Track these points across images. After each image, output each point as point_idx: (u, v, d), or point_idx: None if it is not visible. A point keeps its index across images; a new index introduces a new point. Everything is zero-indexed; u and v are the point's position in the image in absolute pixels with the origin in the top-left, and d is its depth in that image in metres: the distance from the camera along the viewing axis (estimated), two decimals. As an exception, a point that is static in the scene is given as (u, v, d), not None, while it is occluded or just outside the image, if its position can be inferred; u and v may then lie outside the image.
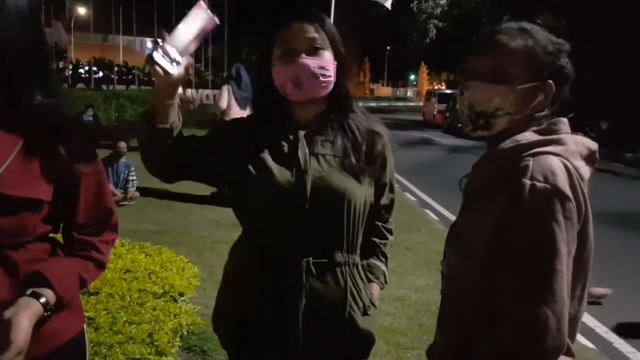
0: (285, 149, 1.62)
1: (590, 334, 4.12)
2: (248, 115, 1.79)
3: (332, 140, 1.65)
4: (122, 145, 7.51)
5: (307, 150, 1.61)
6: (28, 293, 1.27)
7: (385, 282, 1.83)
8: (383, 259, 1.86)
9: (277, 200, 1.57)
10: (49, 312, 1.29)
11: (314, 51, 1.59)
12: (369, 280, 1.76)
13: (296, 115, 1.67)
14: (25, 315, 1.22)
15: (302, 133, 1.64)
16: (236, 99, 7.25)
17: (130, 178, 7.44)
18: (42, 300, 1.27)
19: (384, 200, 1.81)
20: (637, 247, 6.51)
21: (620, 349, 3.97)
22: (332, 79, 1.62)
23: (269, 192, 1.57)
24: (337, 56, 1.64)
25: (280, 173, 1.57)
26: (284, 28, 1.60)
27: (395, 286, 4.80)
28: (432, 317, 4.13)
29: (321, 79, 1.59)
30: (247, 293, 1.63)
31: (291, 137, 1.64)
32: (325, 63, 1.60)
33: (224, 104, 7.29)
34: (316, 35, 1.60)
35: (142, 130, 1.57)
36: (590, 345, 3.93)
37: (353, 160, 1.63)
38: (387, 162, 1.75)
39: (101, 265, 1.47)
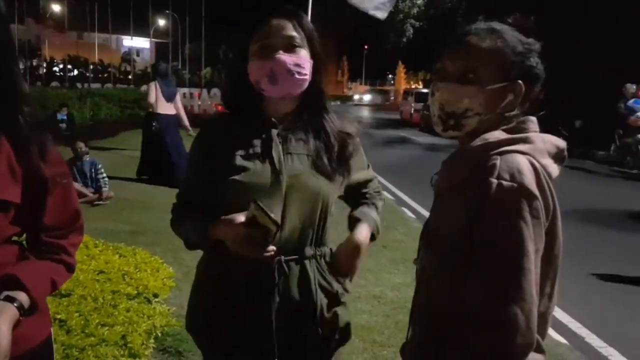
0: (259, 148, 1.62)
1: (563, 329, 4.17)
2: (221, 113, 1.79)
3: (305, 140, 1.65)
4: (80, 145, 7.40)
5: (281, 149, 1.61)
6: (2, 297, 1.26)
7: (378, 231, 1.81)
8: (374, 208, 1.85)
9: (251, 199, 1.56)
10: (23, 316, 1.28)
11: (291, 48, 1.60)
12: (357, 221, 1.76)
13: (269, 111, 1.67)
14: (3, 320, 1.22)
15: (275, 132, 1.64)
16: (163, 94, 8.29)
17: (100, 176, 7.33)
18: (17, 304, 1.26)
19: (365, 180, 1.86)
20: (608, 243, 6.61)
21: (592, 344, 4.02)
22: (308, 77, 1.63)
23: (244, 191, 1.56)
24: (313, 55, 1.64)
25: (255, 173, 1.58)
26: (262, 24, 1.61)
27: (372, 284, 4.82)
28: (409, 315, 4.13)
29: (297, 76, 1.59)
30: (219, 293, 1.63)
31: (264, 135, 1.64)
32: (302, 61, 1.60)
33: (152, 98, 8.32)
34: (294, 33, 1.60)
35: (198, 241, 1.67)
36: (562, 340, 3.98)
37: (325, 160, 1.64)
38: (357, 161, 1.77)
39: (71, 269, 1.46)
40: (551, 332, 3.80)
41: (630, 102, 13.04)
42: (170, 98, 8.47)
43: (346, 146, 1.70)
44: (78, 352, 2.79)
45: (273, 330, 1.58)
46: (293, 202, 1.59)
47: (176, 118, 8.63)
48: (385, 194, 9.39)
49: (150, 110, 8.48)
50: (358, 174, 1.79)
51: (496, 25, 1.39)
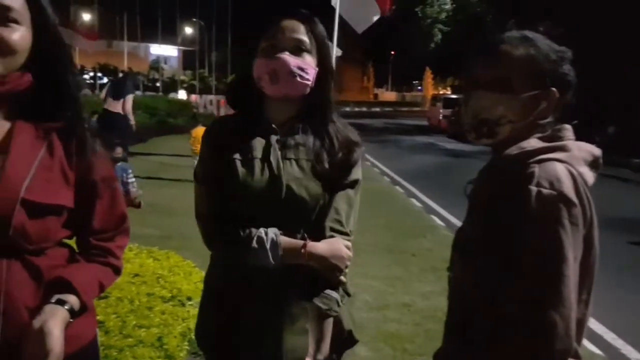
0: (259, 152, 1.64)
1: (598, 340, 4.11)
2: (225, 115, 1.82)
3: (306, 145, 1.66)
4: (118, 151, 7.54)
5: (279, 155, 1.63)
6: (53, 300, 1.30)
7: (338, 305, 1.64)
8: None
9: (250, 204, 1.61)
10: (73, 318, 1.31)
11: (297, 51, 1.61)
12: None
13: (270, 114, 1.69)
14: (54, 324, 1.25)
15: (274, 138, 1.66)
16: (109, 93, 10.51)
17: (130, 181, 7.44)
18: (67, 306, 1.30)
19: (341, 202, 1.70)
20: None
21: (628, 355, 3.96)
22: (310, 82, 1.63)
23: (243, 196, 1.61)
24: (321, 63, 1.66)
25: (254, 178, 1.61)
26: (274, 24, 1.63)
27: (401, 292, 4.81)
28: (439, 323, 4.08)
29: (298, 79, 1.61)
30: (225, 308, 1.68)
31: (264, 140, 1.66)
32: (305, 65, 1.62)
33: (103, 95, 11.04)
34: (303, 37, 1.62)
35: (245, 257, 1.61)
36: (597, 351, 3.92)
37: (325, 165, 1.65)
38: (357, 169, 1.74)
39: (117, 271, 1.50)
40: (586, 342, 3.74)
41: None
42: (116, 97, 10.35)
43: (352, 153, 1.70)
44: (117, 353, 2.84)
45: (281, 341, 1.61)
46: (292, 207, 1.61)
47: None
48: (414, 201, 9.42)
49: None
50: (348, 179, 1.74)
51: (528, 33, 1.41)
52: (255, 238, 1.58)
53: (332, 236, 1.63)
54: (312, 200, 1.63)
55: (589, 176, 1.34)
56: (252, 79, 1.65)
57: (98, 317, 3.08)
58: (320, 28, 1.66)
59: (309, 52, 1.63)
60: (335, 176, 1.66)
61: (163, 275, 3.92)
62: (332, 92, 1.70)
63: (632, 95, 15.46)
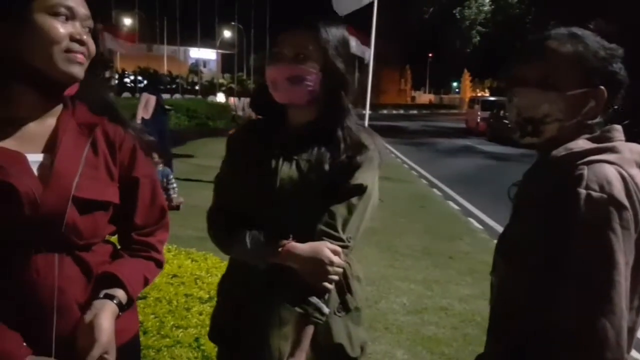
0: (262, 154, 1.68)
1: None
2: (252, 120, 1.86)
3: (313, 147, 1.67)
4: (154, 155, 7.66)
5: (280, 156, 1.66)
6: (102, 295, 1.34)
7: (321, 314, 1.58)
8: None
9: (247, 204, 1.66)
10: (121, 312, 1.36)
11: (297, 59, 1.63)
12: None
13: (291, 119, 1.72)
14: (104, 317, 1.30)
15: (279, 140, 1.69)
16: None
17: (171, 186, 7.57)
18: (116, 301, 1.35)
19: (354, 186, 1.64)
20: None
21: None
22: (312, 88, 1.63)
23: (241, 195, 1.67)
24: (326, 68, 1.64)
25: (251, 177, 1.66)
26: (282, 32, 1.67)
27: (439, 296, 4.76)
28: (477, 328, 4.08)
29: (297, 86, 1.62)
30: (227, 300, 1.77)
31: (270, 143, 1.69)
32: (303, 72, 1.62)
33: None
34: (304, 44, 1.63)
35: (249, 256, 1.64)
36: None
37: (325, 167, 1.64)
38: (364, 173, 1.65)
39: (160, 265, 1.53)
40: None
41: None
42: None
43: (357, 155, 1.65)
44: (154, 353, 2.88)
45: (269, 342, 1.63)
46: (285, 208, 1.62)
47: None
48: (451, 204, 9.33)
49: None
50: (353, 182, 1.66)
51: (577, 30, 1.36)
52: (239, 234, 1.62)
53: (321, 239, 1.59)
54: (303, 201, 1.62)
55: None
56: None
57: (137, 317, 3.16)
58: (327, 34, 1.64)
59: (311, 59, 1.63)
60: (337, 179, 1.63)
61: (201, 276, 3.96)
62: (345, 97, 1.67)
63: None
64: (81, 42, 1.31)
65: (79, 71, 1.32)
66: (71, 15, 1.30)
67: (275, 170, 1.64)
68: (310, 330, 1.59)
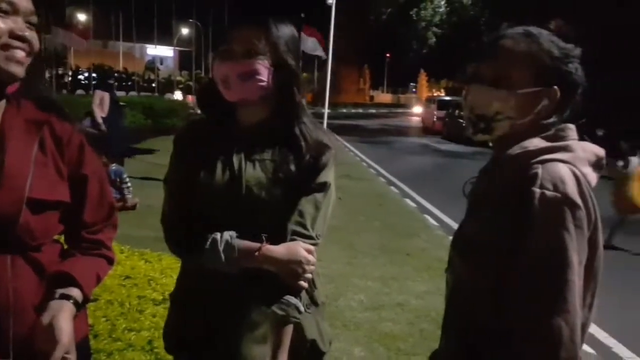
0: (222, 154, 1.63)
1: (590, 338, 4.10)
2: (197, 119, 1.80)
3: (273, 147, 1.64)
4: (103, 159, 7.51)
5: (242, 156, 1.62)
6: (57, 295, 1.31)
7: (299, 312, 1.57)
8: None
9: (211, 206, 1.60)
10: (78, 311, 1.33)
11: (248, 55, 1.60)
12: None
13: (241, 117, 1.68)
14: (63, 318, 1.27)
15: (238, 140, 1.64)
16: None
17: (124, 185, 7.41)
18: (72, 300, 1.32)
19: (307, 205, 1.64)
20: (633, 252, 6.54)
21: (620, 354, 3.96)
22: (265, 84, 1.61)
23: (204, 198, 1.60)
24: (277, 64, 1.62)
25: (214, 179, 1.60)
26: (232, 29, 1.65)
27: (396, 292, 4.80)
28: (433, 323, 4.12)
29: (249, 82, 1.59)
30: (185, 306, 1.69)
31: (228, 143, 1.64)
32: (255, 67, 1.59)
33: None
34: (255, 40, 1.60)
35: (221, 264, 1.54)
36: (590, 350, 3.92)
37: (291, 167, 1.62)
38: (327, 172, 1.67)
39: (111, 262, 1.51)
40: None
41: None
42: None
43: (321, 155, 1.65)
44: (105, 357, 2.80)
45: (238, 349, 1.56)
46: (251, 209, 1.59)
47: None
48: (408, 201, 9.44)
49: None
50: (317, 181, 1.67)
51: (533, 29, 1.36)
52: (209, 240, 1.55)
53: (293, 239, 1.58)
54: (274, 202, 1.59)
55: (592, 177, 1.29)
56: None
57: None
58: (277, 31, 1.63)
59: (262, 54, 1.60)
60: (303, 179, 1.62)
61: (155, 277, 3.88)
62: (297, 93, 1.65)
63: (620, 98, 15.46)
64: (22, 39, 1.25)
65: (17, 69, 1.26)
66: (12, 10, 1.24)
67: (239, 173, 1.60)
68: (289, 329, 1.58)
